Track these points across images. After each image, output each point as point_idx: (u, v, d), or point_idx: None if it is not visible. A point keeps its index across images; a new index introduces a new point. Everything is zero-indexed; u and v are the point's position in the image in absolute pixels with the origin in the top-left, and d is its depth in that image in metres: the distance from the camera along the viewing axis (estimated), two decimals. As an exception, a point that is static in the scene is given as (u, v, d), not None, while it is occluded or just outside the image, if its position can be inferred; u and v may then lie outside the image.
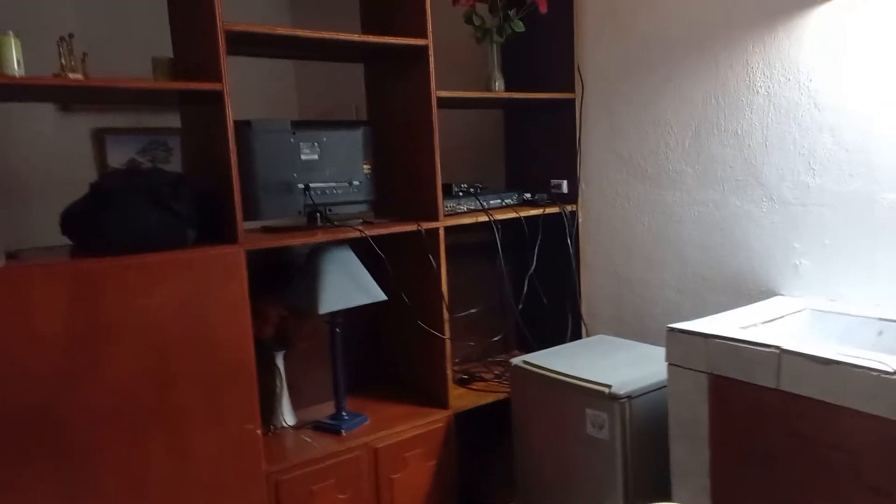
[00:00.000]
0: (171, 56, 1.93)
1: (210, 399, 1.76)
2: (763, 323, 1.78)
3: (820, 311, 1.87)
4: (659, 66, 2.29)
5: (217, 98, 1.75)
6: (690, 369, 1.70)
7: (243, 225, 1.83)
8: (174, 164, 2.30)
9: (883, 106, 1.77)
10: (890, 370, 1.34)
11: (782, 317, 1.83)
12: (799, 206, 1.97)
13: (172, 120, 2.07)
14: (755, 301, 2.03)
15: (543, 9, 2.35)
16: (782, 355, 1.51)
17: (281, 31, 1.85)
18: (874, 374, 1.36)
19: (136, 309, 1.64)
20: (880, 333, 1.74)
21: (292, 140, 2.02)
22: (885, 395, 1.35)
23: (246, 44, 1.94)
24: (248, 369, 1.82)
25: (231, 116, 1.76)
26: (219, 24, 1.71)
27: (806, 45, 1.91)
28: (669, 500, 1.79)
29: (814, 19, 1.88)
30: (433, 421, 2.22)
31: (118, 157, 2.55)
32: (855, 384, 1.39)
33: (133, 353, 1.64)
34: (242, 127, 1.87)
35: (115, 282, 1.61)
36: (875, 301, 1.84)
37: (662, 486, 1.82)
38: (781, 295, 2.04)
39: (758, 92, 2.03)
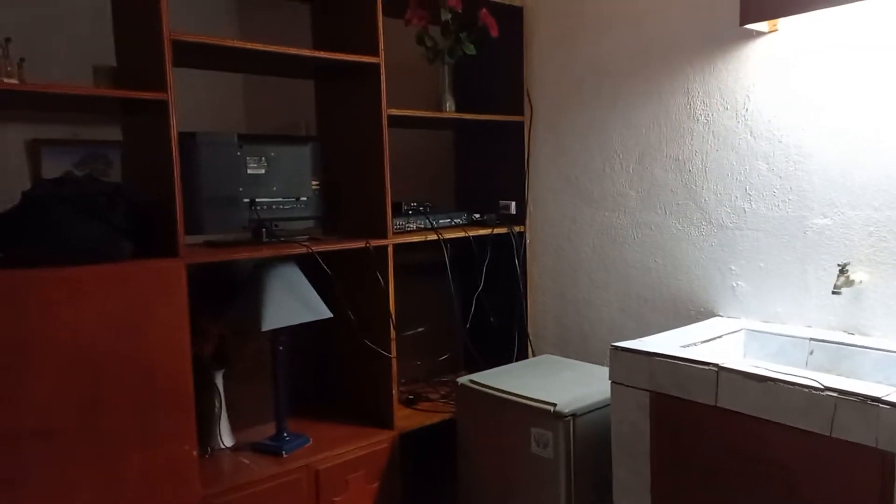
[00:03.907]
0: (114, 65, 1.88)
1: (144, 420, 1.68)
2: (702, 342, 1.83)
3: (755, 331, 1.93)
4: (605, 93, 2.35)
5: (161, 108, 1.71)
6: (633, 387, 1.73)
7: (185, 239, 1.77)
8: (114, 178, 2.22)
9: (812, 137, 1.86)
10: (821, 387, 1.39)
11: (720, 336, 1.89)
12: (736, 230, 2.05)
13: (113, 133, 2.01)
14: (695, 321, 2.09)
15: (494, 33, 2.39)
16: (720, 373, 1.55)
17: (230, 43, 1.83)
18: (806, 390, 1.41)
19: (63, 324, 1.56)
20: (811, 353, 1.81)
21: (238, 154, 1.98)
22: (817, 412, 1.39)
23: (193, 55, 1.91)
24: (186, 389, 1.75)
25: (176, 127, 1.71)
26: (165, 32, 1.68)
27: (742, 76, 1.99)
28: (612, 518, 1.80)
29: (750, 51, 1.97)
30: (377, 442, 2.19)
31: (54, 169, 2.45)
32: (788, 401, 1.44)
33: (59, 371, 1.56)
34: (187, 139, 1.83)
35: (41, 295, 1.53)
36: (806, 322, 1.91)
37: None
38: (719, 315, 2.10)
39: (698, 120, 2.11)
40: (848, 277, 1.77)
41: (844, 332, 1.83)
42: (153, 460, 1.70)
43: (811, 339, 1.82)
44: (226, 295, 2.12)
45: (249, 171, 2.01)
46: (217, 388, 2.06)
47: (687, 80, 2.12)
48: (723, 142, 2.06)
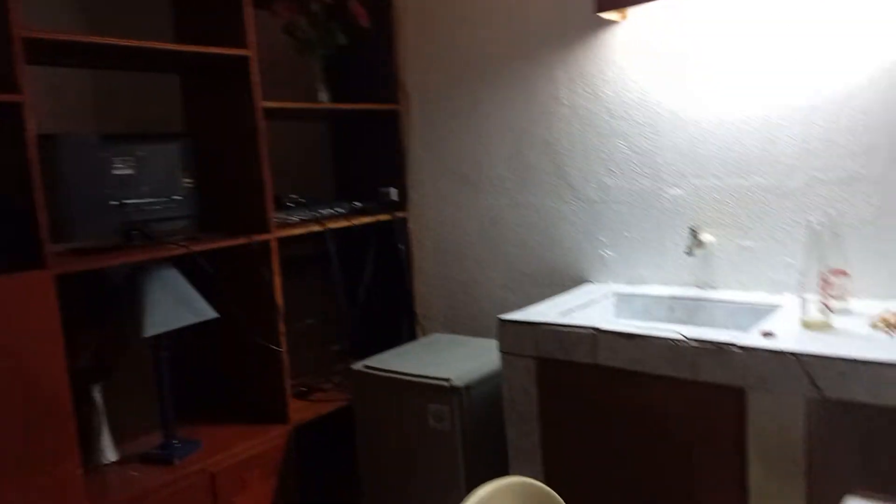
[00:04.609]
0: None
1: (22, 441, 1.57)
2: (579, 308, 1.98)
3: (623, 293, 2.11)
4: (477, 80, 2.45)
5: (15, 111, 1.58)
6: (520, 355, 1.84)
7: (52, 248, 1.66)
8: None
9: (662, 116, 2.06)
10: (683, 338, 1.57)
11: (594, 301, 2.05)
12: (602, 204, 2.22)
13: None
14: (569, 289, 2.24)
15: (364, 23, 2.41)
16: (597, 334, 1.69)
17: (88, 39, 1.72)
18: (671, 342, 1.58)
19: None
20: (672, 309, 2.02)
21: (103, 155, 1.88)
22: (681, 360, 1.57)
23: (46, 53, 1.78)
24: (64, 405, 1.65)
25: (34, 130, 1.60)
26: (15, 30, 1.56)
27: (599, 61, 2.16)
28: (509, 481, 1.92)
29: (605, 39, 2.14)
30: (272, 437, 2.17)
31: None
32: (656, 353, 1.60)
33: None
34: (46, 142, 1.71)
35: None
36: (666, 282, 2.12)
37: (502, 470, 1.95)
38: (591, 282, 2.27)
39: (563, 104, 2.26)
40: (698, 239, 1.98)
41: (698, 287, 2.05)
42: (34, 482, 1.59)
43: (671, 297, 2.02)
44: (101, 303, 2.01)
45: (116, 173, 1.91)
46: (95, 400, 1.96)
47: (552, 68, 2.26)
48: (586, 123, 2.22)
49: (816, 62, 1.79)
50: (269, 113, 2.17)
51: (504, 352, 1.89)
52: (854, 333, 1.52)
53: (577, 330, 1.73)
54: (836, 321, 1.60)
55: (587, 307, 2.01)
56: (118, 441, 2.03)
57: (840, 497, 1.17)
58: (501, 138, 2.43)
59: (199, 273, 2.08)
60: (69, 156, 1.79)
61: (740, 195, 1.95)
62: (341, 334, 2.82)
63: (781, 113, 1.85)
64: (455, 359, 2.18)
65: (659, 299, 2.04)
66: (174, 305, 1.98)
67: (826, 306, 1.59)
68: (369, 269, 2.65)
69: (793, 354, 1.42)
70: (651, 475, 1.68)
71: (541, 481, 1.33)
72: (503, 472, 1.94)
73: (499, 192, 2.46)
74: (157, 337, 1.98)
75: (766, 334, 1.54)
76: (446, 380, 1.98)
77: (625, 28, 2.09)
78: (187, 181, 2.10)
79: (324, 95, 2.47)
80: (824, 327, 1.57)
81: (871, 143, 1.73)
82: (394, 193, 2.68)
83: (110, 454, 1.99)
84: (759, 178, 1.91)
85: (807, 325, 1.59)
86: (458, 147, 2.55)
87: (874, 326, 1.55)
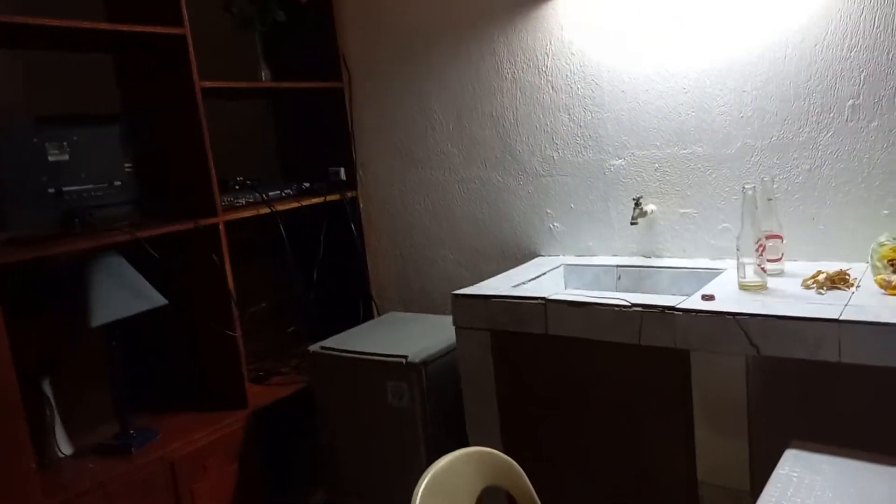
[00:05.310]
0: None
1: (-34, 439, 1.53)
2: (530, 280, 2.03)
3: (572, 265, 2.17)
4: (420, 56, 2.44)
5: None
6: (474, 328, 1.88)
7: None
8: None
9: (602, 89, 2.10)
10: (628, 304, 1.62)
11: (544, 273, 2.10)
12: (548, 177, 2.26)
13: None
14: (520, 263, 2.29)
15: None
16: (547, 305, 1.74)
17: (16, 19, 1.65)
18: (617, 310, 1.64)
19: None
20: (619, 277, 2.08)
21: (35, 140, 1.81)
22: (627, 326, 1.63)
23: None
24: (13, 400, 1.62)
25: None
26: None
27: (540, 35, 2.18)
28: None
29: (545, 12, 2.16)
30: (231, 423, 2.16)
31: None
32: (603, 320, 1.66)
33: None
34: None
35: None
36: (613, 251, 2.18)
37: (463, 443, 1.99)
38: (541, 255, 2.32)
39: (506, 78, 2.28)
40: (642, 209, 2.05)
41: (643, 256, 2.12)
42: (-16, 482, 1.56)
43: (618, 266, 2.09)
44: (42, 294, 1.95)
45: (51, 159, 1.85)
46: (46, 394, 1.91)
47: (493, 42, 2.27)
48: (529, 97, 2.24)
49: (741, 25, 1.84)
50: (209, 92, 2.12)
51: (459, 326, 1.92)
52: (788, 293, 1.61)
53: (527, 301, 1.77)
54: (772, 282, 1.68)
55: (538, 279, 2.05)
56: (73, 434, 2.00)
57: (782, 448, 1.25)
58: (445, 114, 2.43)
59: (146, 260, 2.03)
60: (1, 142, 1.72)
61: (680, 164, 2.01)
62: (297, 317, 2.81)
63: (714, 80, 1.91)
64: (411, 336, 2.21)
65: (607, 269, 2.10)
66: (122, 294, 1.94)
67: (762, 269, 1.67)
68: (321, 250, 2.64)
69: (730, 315, 1.49)
70: (602, 440, 1.75)
71: (500, 451, 1.37)
72: (464, 445, 1.96)
73: (446, 168, 2.48)
74: (107, 326, 1.94)
75: (707, 298, 1.61)
76: (403, 357, 2.01)
77: (564, 1, 2.12)
78: (127, 165, 2.04)
79: (265, 74, 2.42)
80: (760, 289, 1.65)
81: (800, 109, 1.81)
82: (342, 173, 2.66)
83: (65, 447, 1.96)
84: (697, 147, 1.97)
85: (744, 288, 1.67)
86: (403, 124, 2.55)
87: (806, 286, 1.64)
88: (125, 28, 1.91)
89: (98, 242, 1.86)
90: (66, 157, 1.89)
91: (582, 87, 2.13)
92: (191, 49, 2.04)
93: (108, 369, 2.00)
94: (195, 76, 2.05)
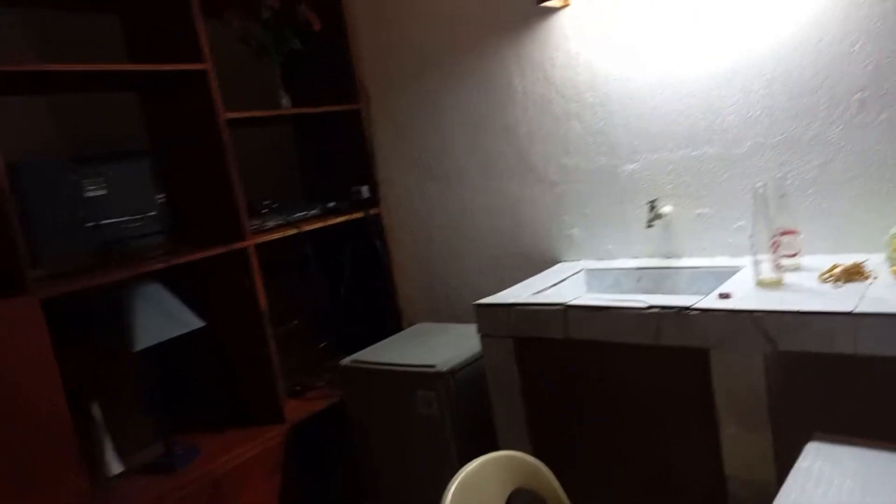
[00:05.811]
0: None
1: (28, 463, 1.63)
2: (550, 287, 2.07)
3: (593, 269, 2.21)
4: (434, 73, 2.51)
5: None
6: (498, 336, 1.93)
7: (31, 273, 1.71)
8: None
9: (611, 95, 2.14)
10: (645, 306, 1.66)
11: (565, 279, 2.14)
12: (563, 185, 2.31)
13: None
14: (541, 270, 2.33)
15: (316, 26, 2.46)
16: (567, 310, 1.78)
17: (42, 67, 1.75)
18: (634, 311, 1.68)
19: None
20: (639, 280, 2.11)
21: (73, 178, 1.92)
22: (644, 327, 1.66)
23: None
24: (65, 425, 1.72)
25: (2, 161, 1.64)
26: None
27: (547, 47, 2.23)
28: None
29: (550, 25, 2.21)
30: (270, 437, 2.24)
31: None
32: (621, 323, 1.70)
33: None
34: (15, 169, 1.75)
35: None
36: (632, 254, 2.22)
37: (493, 449, 2.02)
38: (563, 261, 2.36)
39: (517, 90, 2.33)
40: (657, 212, 2.08)
41: (662, 257, 2.15)
42: (44, 501, 1.65)
43: (637, 269, 2.12)
44: (83, 323, 2.05)
45: (88, 195, 1.96)
46: (95, 417, 2.01)
47: (503, 56, 2.33)
48: (541, 108, 2.29)
49: (743, 25, 1.87)
50: (232, 122, 2.22)
51: (483, 334, 1.97)
52: (804, 288, 1.63)
53: (547, 307, 1.82)
54: (788, 278, 1.70)
55: (559, 285, 2.10)
56: (122, 454, 2.09)
57: (804, 442, 1.27)
58: (461, 128, 2.50)
59: (181, 286, 2.13)
60: (40, 182, 1.82)
61: (692, 166, 2.04)
62: (328, 332, 2.89)
63: (720, 82, 1.94)
64: (438, 346, 2.27)
65: (627, 272, 2.14)
66: (160, 318, 2.03)
67: (778, 265, 1.69)
68: (348, 266, 2.71)
69: (747, 312, 1.52)
70: (628, 440, 1.78)
71: (530, 455, 1.40)
72: (494, 450, 2.02)
73: (464, 181, 2.54)
74: (148, 350, 2.03)
75: (724, 296, 1.64)
76: (431, 366, 2.06)
77: (568, 13, 2.17)
78: (159, 197, 2.14)
79: (285, 101, 2.51)
80: (777, 285, 1.68)
81: (808, 105, 1.83)
82: (365, 191, 2.74)
83: (115, 467, 2.05)
84: (708, 148, 2.00)
85: (761, 284, 1.70)
86: (420, 140, 2.62)
87: (823, 280, 1.66)
88: (148, 68, 2.01)
89: (136, 272, 1.95)
90: (103, 192, 1.99)
91: (591, 95, 2.18)
92: (213, 83, 2.13)
93: (151, 391, 2.09)
94: (218, 108, 2.15)
